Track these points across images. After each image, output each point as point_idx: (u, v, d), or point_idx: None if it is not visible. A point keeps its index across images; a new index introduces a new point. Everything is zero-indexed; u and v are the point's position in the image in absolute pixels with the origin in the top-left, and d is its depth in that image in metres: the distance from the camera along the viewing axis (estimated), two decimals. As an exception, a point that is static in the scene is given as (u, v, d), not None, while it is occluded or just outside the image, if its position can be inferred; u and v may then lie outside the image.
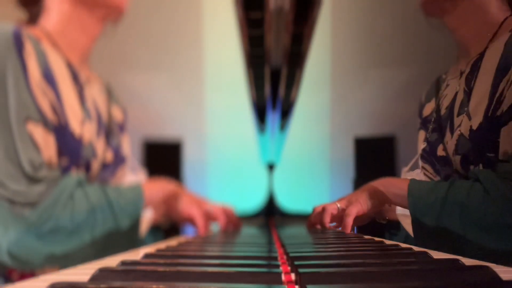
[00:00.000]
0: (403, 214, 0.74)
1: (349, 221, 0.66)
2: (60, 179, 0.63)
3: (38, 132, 0.61)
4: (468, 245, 0.54)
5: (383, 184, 0.66)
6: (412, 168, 0.80)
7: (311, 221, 0.77)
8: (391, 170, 1.10)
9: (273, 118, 0.86)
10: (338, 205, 0.68)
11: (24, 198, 0.59)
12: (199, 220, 0.75)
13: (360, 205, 0.66)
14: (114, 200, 0.66)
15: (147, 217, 0.81)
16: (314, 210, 0.75)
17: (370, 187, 0.67)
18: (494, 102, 0.59)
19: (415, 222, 0.60)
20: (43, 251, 0.59)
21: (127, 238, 0.68)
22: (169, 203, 0.76)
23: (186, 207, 0.75)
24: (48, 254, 0.60)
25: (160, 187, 0.76)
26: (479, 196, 0.54)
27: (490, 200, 0.54)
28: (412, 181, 0.62)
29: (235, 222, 0.88)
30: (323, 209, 0.69)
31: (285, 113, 0.85)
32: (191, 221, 0.77)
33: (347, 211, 0.66)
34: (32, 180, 0.60)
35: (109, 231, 0.65)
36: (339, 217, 0.68)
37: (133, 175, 0.92)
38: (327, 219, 0.68)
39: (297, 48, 0.58)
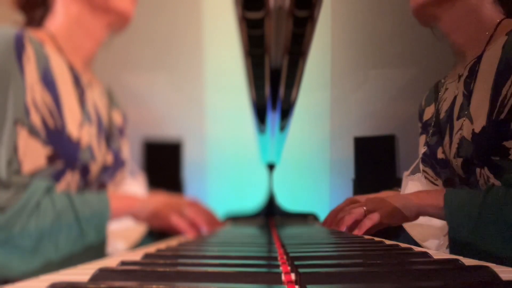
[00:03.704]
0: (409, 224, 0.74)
1: (368, 224, 0.64)
2: (28, 185, 0.61)
3: (23, 136, 0.61)
4: (508, 255, 0.53)
5: (417, 196, 0.65)
6: (413, 172, 0.80)
7: (331, 219, 0.75)
8: (391, 170, 1.10)
9: (273, 118, 0.86)
10: (365, 209, 0.66)
11: None
12: (183, 226, 0.74)
13: (387, 216, 0.64)
14: (80, 209, 0.64)
15: (139, 227, 0.81)
16: (337, 209, 0.73)
17: (403, 199, 0.65)
18: (497, 106, 0.59)
19: (452, 232, 0.59)
20: (7, 260, 0.57)
21: (94, 251, 0.67)
22: (144, 219, 0.74)
23: (166, 217, 0.74)
24: (11, 264, 0.58)
25: (129, 203, 0.74)
26: None
27: None
28: (448, 192, 0.62)
29: (213, 223, 0.86)
30: (350, 212, 0.67)
31: (285, 113, 0.84)
32: (173, 229, 0.75)
33: (371, 215, 0.65)
34: (4, 185, 0.59)
35: (75, 241, 0.64)
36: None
37: (132, 179, 0.92)
38: (348, 222, 0.67)
39: (297, 48, 0.58)
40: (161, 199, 0.77)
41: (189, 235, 0.73)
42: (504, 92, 0.58)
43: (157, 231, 0.81)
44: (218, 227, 0.87)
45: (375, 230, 0.69)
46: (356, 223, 0.66)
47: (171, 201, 0.78)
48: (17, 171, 0.60)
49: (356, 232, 0.66)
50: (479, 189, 0.63)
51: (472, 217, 0.56)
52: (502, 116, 0.58)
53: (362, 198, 0.71)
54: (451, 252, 0.60)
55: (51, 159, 0.65)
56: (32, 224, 0.59)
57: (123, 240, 0.79)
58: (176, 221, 0.74)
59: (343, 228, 0.67)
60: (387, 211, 0.65)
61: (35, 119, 0.63)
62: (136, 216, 0.74)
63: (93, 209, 0.66)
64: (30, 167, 0.62)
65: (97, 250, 0.67)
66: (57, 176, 0.67)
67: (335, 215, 0.72)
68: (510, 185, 0.56)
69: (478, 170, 0.62)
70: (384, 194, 0.86)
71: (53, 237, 0.61)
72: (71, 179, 0.70)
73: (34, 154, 0.63)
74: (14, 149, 0.60)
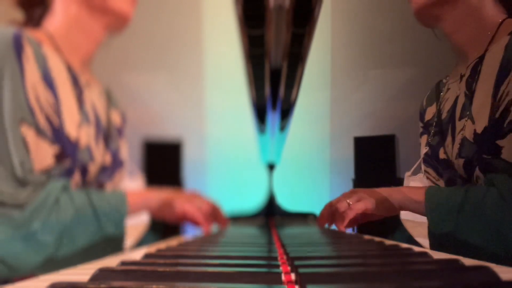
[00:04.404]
0: (406, 219, 0.74)
1: (350, 215, 0.65)
2: (45, 183, 0.62)
3: (31, 136, 0.61)
4: (485, 252, 0.54)
5: (400, 191, 0.66)
6: (415, 173, 0.80)
7: (323, 219, 0.76)
8: (391, 170, 1.10)
9: (273, 118, 0.86)
10: (349, 202, 0.67)
11: (12, 200, 0.58)
12: (198, 216, 0.76)
13: (370, 205, 0.66)
14: (98, 205, 0.66)
15: (143, 220, 0.82)
16: (325, 208, 0.74)
17: (386, 192, 0.67)
18: (497, 105, 0.59)
19: (432, 228, 0.60)
20: (28, 255, 0.58)
21: (112, 246, 0.68)
22: (159, 212, 0.76)
23: (183, 206, 0.75)
24: (32, 259, 0.59)
25: (145, 197, 0.76)
26: (495, 202, 0.54)
27: (506, 206, 0.53)
28: (430, 188, 0.62)
29: (221, 221, 0.88)
30: (336, 209, 0.68)
31: (285, 113, 0.84)
32: (188, 219, 0.77)
33: (352, 205, 0.66)
34: (21, 183, 0.59)
35: (93, 237, 0.65)
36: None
37: (130, 180, 0.92)
38: (342, 219, 0.68)
39: (297, 48, 0.58)
40: (172, 193, 0.79)
41: (203, 227, 0.75)
42: (501, 91, 0.59)
43: (167, 225, 0.82)
44: (224, 221, 0.89)
45: (360, 223, 0.70)
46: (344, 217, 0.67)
47: (183, 194, 0.80)
48: (31, 171, 0.61)
49: (339, 224, 0.66)
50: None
51: (452, 214, 0.57)
52: (497, 115, 0.58)
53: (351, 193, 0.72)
54: (431, 248, 0.60)
55: (58, 158, 0.66)
56: (53, 220, 0.60)
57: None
58: (192, 211, 0.75)
59: (339, 226, 0.68)
60: (370, 202, 0.66)
61: (40, 118, 0.63)
62: (152, 210, 0.76)
63: (111, 205, 0.68)
64: (40, 167, 0.63)
65: (116, 244, 0.69)
66: (67, 175, 0.68)
67: (329, 211, 0.73)
68: (490, 184, 0.56)
69: (477, 170, 0.62)
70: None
71: (73, 233, 0.62)
72: (78, 179, 0.71)
73: (42, 153, 0.63)
74: (26, 149, 0.60)
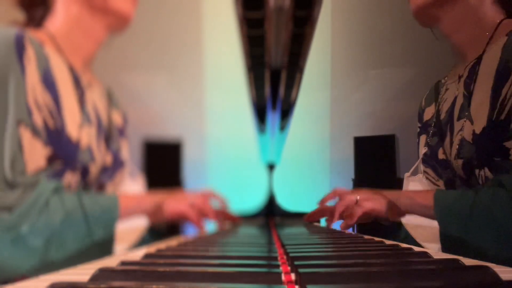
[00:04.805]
0: (408, 223, 0.74)
1: (359, 212, 0.66)
2: (36, 185, 0.61)
3: (27, 137, 0.61)
4: (497, 252, 0.54)
5: (407, 195, 0.66)
6: (414, 173, 0.80)
7: (315, 215, 0.76)
8: (391, 170, 1.10)
9: (273, 118, 0.86)
10: (358, 198, 0.67)
11: (1, 202, 0.58)
12: (190, 214, 0.75)
13: (379, 206, 0.66)
14: (89, 208, 0.65)
15: (141, 223, 0.81)
16: (327, 197, 0.74)
17: (393, 195, 0.67)
18: (498, 107, 0.59)
19: (443, 232, 0.60)
20: (17, 259, 0.58)
21: (100, 251, 0.67)
22: (154, 215, 0.75)
23: (172, 207, 0.75)
24: (21, 262, 0.58)
25: (138, 201, 0.75)
26: (505, 203, 0.54)
27: None
28: (438, 192, 0.62)
29: (225, 216, 0.87)
30: (342, 199, 0.68)
31: (285, 113, 0.84)
32: (183, 218, 0.76)
33: (362, 203, 0.66)
34: (10, 185, 0.59)
35: (83, 240, 0.64)
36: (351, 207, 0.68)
37: (131, 180, 0.91)
38: (340, 209, 0.68)
39: (297, 48, 0.58)
40: (167, 194, 0.78)
41: (198, 227, 0.74)
42: (504, 92, 0.58)
43: (163, 228, 0.81)
44: (232, 220, 0.88)
45: (365, 221, 0.70)
46: (347, 214, 0.67)
47: (177, 194, 0.79)
48: (22, 172, 0.61)
49: (349, 221, 0.66)
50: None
51: (463, 217, 0.57)
52: (502, 117, 0.58)
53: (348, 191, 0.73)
54: (444, 251, 0.60)
55: (50, 160, 0.65)
56: (42, 223, 0.59)
57: (121, 242, 0.80)
58: (184, 210, 0.74)
59: (337, 215, 0.68)
60: (378, 203, 0.66)
61: (37, 119, 0.63)
62: (145, 214, 0.75)
63: (102, 208, 0.67)
64: (32, 168, 0.62)
65: (104, 247, 0.68)
66: (57, 177, 0.67)
67: (332, 199, 0.74)
68: (499, 186, 0.56)
69: (477, 171, 0.62)
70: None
71: (61, 236, 0.61)
72: (71, 179, 0.70)
73: (36, 154, 0.63)
74: (20, 150, 0.60)
